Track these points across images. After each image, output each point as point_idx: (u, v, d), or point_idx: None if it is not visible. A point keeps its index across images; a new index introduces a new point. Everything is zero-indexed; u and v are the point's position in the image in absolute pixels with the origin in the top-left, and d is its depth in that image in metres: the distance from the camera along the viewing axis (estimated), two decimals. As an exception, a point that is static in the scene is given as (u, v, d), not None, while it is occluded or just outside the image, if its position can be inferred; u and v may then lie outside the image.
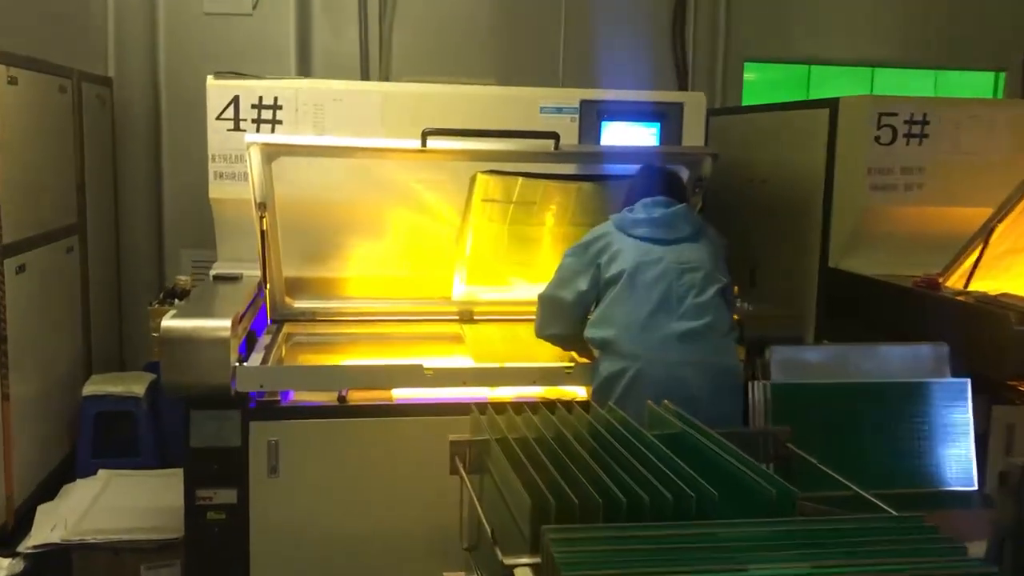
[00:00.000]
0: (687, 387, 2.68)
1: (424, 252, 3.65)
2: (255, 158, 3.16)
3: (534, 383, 3.09)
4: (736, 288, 3.15)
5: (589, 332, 2.90)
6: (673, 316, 2.80)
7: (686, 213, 2.96)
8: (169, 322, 2.86)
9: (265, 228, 3.33)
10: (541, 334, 3.08)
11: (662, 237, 2.89)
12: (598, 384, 2.85)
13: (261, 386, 2.92)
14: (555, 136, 3.21)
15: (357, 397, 3.10)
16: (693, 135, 3.91)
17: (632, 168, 3.32)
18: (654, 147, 3.60)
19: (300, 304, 3.73)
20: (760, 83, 5.94)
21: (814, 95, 5.85)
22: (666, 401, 2.06)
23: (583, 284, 2.91)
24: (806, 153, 4.27)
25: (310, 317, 3.75)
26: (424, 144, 3.13)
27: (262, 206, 3.29)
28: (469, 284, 3.69)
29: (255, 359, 3.10)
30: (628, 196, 3.06)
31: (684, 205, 2.98)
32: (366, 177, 3.45)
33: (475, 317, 3.84)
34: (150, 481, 3.89)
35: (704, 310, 2.82)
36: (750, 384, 2.58)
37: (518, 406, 2.06)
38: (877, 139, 3.94)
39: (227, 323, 2.89)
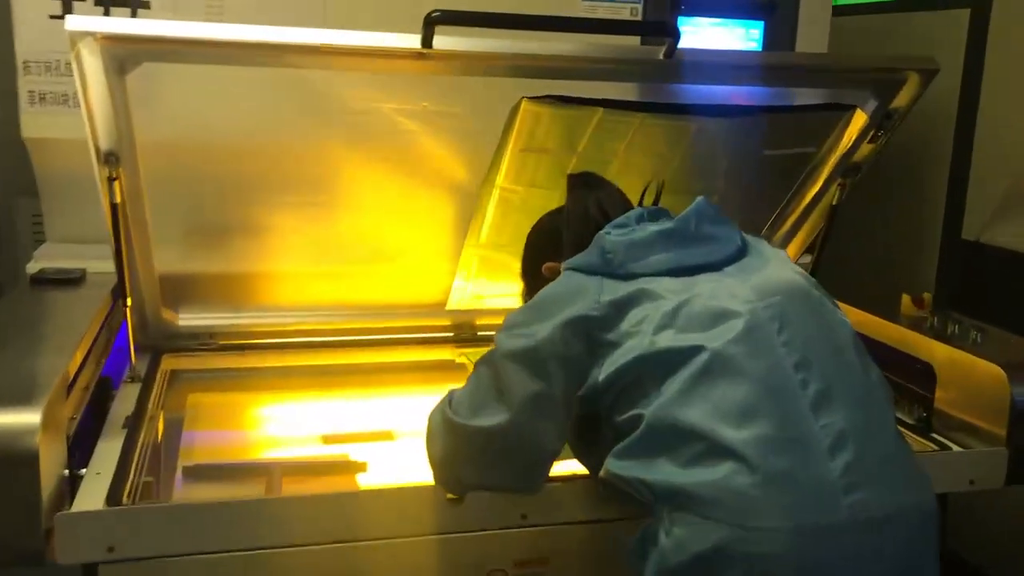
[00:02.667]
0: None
1: (404, 235, 2.13)
2: (91, 64, 1.59)
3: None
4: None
5: (629, 471, 1.31)
6: (810, 422, 1.27)
7: (711, 208, 1.47)
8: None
9: (119, 196, 1.77)
10: (454, 485, 1.51)
11: (701, 261, 1.41)
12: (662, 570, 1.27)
13: (109, 550, 1.39)
14: (670, 31, 1.71)
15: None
16: (811, 38, 2.48)
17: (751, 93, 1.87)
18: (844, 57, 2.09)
19: (189, 320, 2.18)
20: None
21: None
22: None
23: (555, 389, 1.38)
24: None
25: (207, 343, 2.20)
26: (428, 43, 1.61)
27: (111, 158, 1.73)
28: (477, 284, 2.21)
29: (100, 472, 1.56)
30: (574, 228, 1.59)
31: (701, 198, 1.48)
32: (305, 109, 1.88)
33: (478, 334, 2.36)
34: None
35: (871, 396, 1.35)
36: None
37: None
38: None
39: (35, 417, 1.36)
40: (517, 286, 2.24)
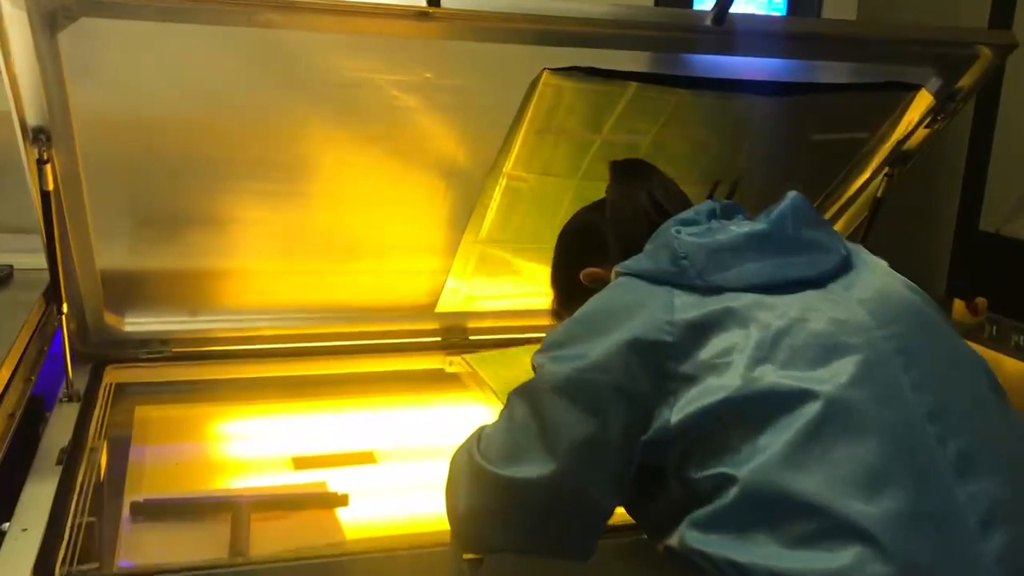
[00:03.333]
0: None
1: (390, 228, 1.83)
2: (14, 19, 1.28)
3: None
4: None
5: (716, 548, 1.00)
6: (952, 490, 0.98)
7: (808, 207, 1.17)
8: None
9: (51, 182, 1.46)
10: (478, 544, 1.23)
11: (801, 275, 1.11)
12: None
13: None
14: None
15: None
16: (839, 5, 2.24)
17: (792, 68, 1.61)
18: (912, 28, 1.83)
19: (137, 325, 1.87)
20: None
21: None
22: None
23: (612, 432, 1.08)
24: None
25: (159, 351, 1.89)
26: (435, 0, 1.31)
27: (41, 136, 1.41)
28: (472, 283, 1.92)
29: (27, 527, 1.25)
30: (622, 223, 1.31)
31: (796, 193, 1.17)
32: (280, 79, 1.55)
33: (469, 338, 2.08)
34: None
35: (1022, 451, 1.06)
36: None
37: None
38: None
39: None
40: (517, 286, 1.98)
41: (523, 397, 1.15)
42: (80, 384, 1.70)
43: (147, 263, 1.80)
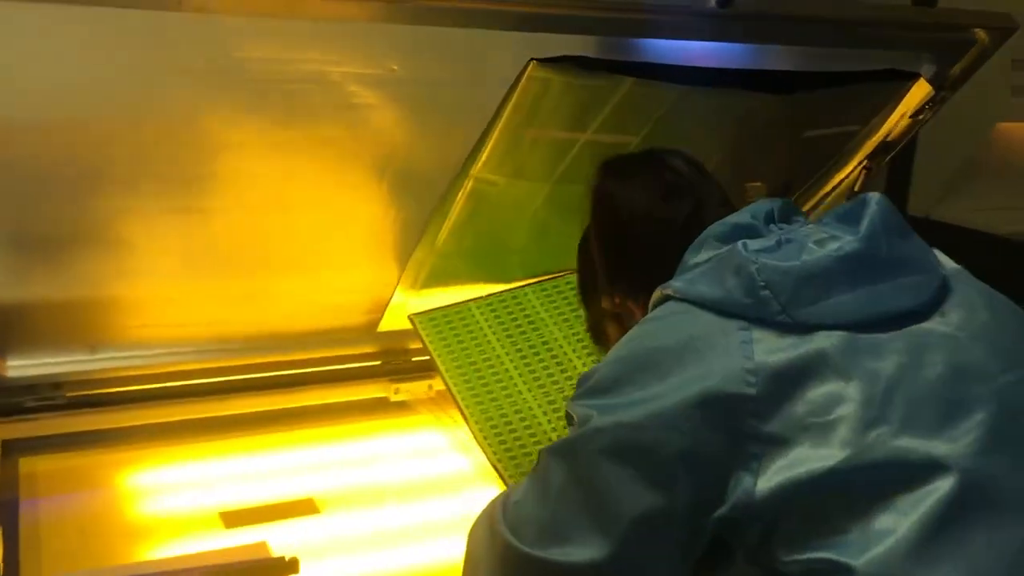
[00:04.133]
0: None
1: (314, 241, 1.57)
2: None
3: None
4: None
5: None
6: None
7: (896, 213, 0.98)
8: None
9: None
10: None
11: (904, 307, 0.91)
12: None
13: None
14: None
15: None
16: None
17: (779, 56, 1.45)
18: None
19: (22, 369, 1.56)
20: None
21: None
22: None
23: (680, 505, 0.88)
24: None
25: (51, 398, 1.59)
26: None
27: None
28: (420, 298, 1.69)
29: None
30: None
31: (880, 196, 0.98)
32: (194, 73, 1.24)
33: (412, 360, 1.85)
34: None
35: None
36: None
37: None
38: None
39: None
40: (470, 297, 1.76)
41: (562, 459, 0.94)
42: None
43: (30, 294, 1.49)
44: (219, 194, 1.43)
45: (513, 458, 1.45)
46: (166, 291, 1.56)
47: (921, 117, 1.63)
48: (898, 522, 0.80)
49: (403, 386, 1.79)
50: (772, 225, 0.99)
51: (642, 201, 1.11)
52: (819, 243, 0.93)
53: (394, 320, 1.71)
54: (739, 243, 0.93)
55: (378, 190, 1.43)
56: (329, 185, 1.41)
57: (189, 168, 1.37)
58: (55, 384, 1.59)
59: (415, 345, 1.82)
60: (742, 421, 0.86)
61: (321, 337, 1.72)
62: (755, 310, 0.89)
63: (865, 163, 1.73)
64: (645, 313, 1.02)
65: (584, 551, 0.89)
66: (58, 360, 1.58)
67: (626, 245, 1.12)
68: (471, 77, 1.27)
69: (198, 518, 1.51)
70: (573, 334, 1.57)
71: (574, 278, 1.32)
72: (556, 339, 1.56)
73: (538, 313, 1.60)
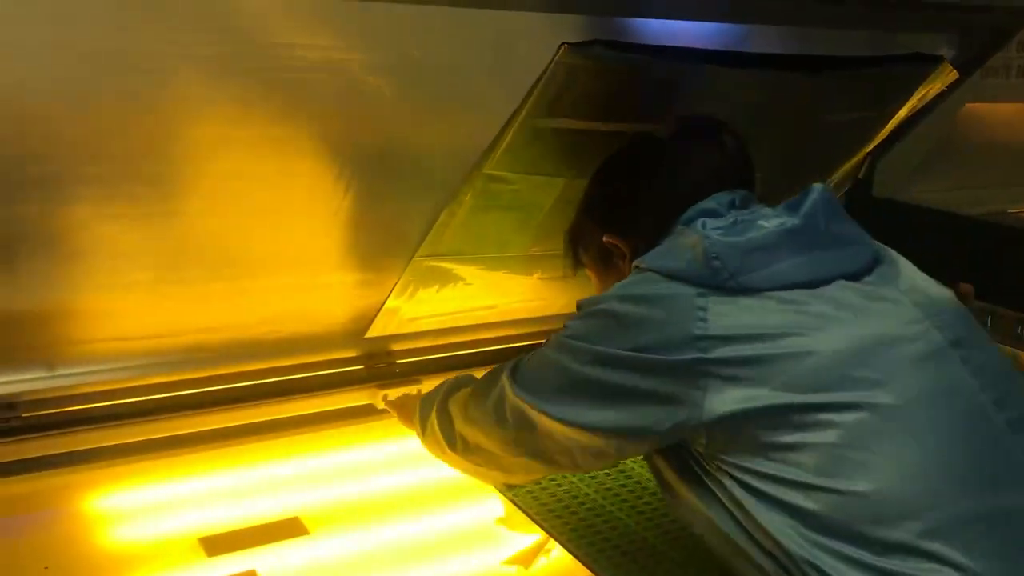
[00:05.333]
0: None
1: (293, 241, 1.42)
2: None
3: None
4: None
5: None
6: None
7: (834, 200, 1.15)
8: None
9: None
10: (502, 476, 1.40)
11: (837, 272, 1.09)
12: None
13: None
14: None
15: None
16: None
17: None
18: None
19: (-26, 389, 1.39)
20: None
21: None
22: None
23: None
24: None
25: (5, 419, 1.43)
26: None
27: None
28: (413, 302, 1.57)
29: None
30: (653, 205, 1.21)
31: (820, 186, 1.14)
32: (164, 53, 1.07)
33: (397, 363, 1.73)
34: None
35: None
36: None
37: None
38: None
39: None
40: (463, 301, 1.64)
41: (561, 352, 1.14)
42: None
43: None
44: (197, 195, 1.28)
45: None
46: (135, 301, 1.40)
47: (939, 102, 1.57)
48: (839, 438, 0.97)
49: (390, 392, 1.66)
50: (732, 211, 1.12)
51: (697, 166, 1.20)
52: (766, 221, 1.08)
53: (385, 325, 1.59)
54: (698, 222, 1.10)
55: (381, 188, 1.30)
56: (324, 184, 1.27)
57: (164, 167, 1.22)
58: (9, 404, 1.42)
59: (396, 347, 1.71)
60: (703, 372, 1.02)
61: (301, 344, 1.58)
62: (709, 278, 1.04)
63: (869, 149, 1.67)
64: (628, 263, 1.19)
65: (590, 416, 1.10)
66: (12, 379, 1.41)
67: (657, 192, 1.19)
68: (494, 64, 1.15)
69: (176, 545, 1.39)
70: None
71: None
72: None
73: None
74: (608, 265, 1.26)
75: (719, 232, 1.07)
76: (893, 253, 1.16)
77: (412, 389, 1.68)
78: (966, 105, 2.56)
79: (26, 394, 1.43)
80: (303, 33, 1.02)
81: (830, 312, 1.02)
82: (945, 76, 1.47)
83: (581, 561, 1.33)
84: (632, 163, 1.24)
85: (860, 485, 0.95)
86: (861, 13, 1.37)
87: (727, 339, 1.01)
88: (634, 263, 1.13)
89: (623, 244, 1.22)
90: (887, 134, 1.62)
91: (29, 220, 1.23)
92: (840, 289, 1.05)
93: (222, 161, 1.18)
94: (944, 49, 1.49)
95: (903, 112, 1.56)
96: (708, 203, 1.13)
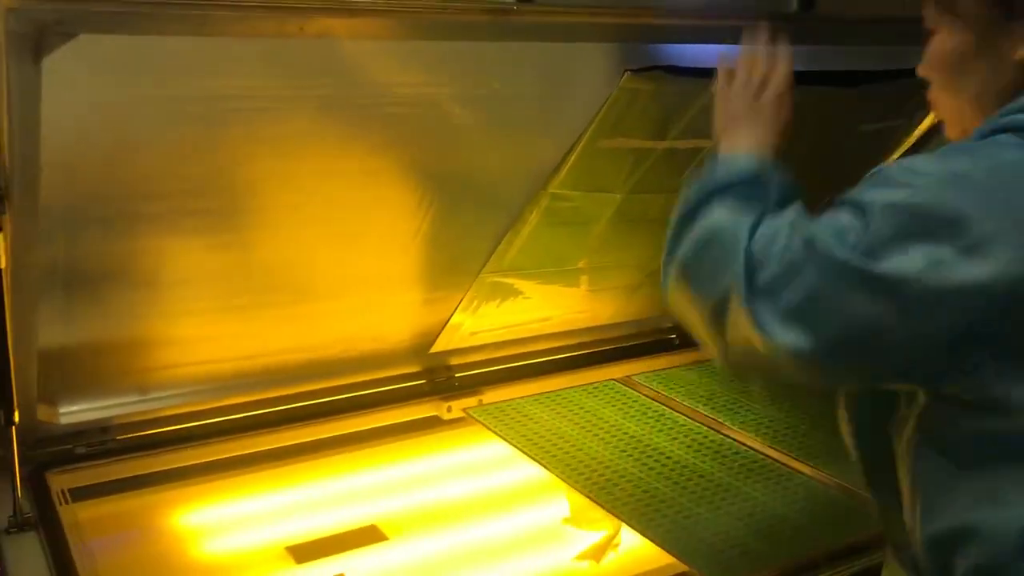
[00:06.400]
0: None
1: (361, 265, 1.51)
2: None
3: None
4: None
5: None
6: None
7: None
8: None
9: (3, 258, 1.06)
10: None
11: None
12: None
13: None
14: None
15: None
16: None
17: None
18: None
19: (73, 415, 1.47)
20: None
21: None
22: None
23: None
24: None
25: (100, 443, 1.51)
26: (532, -7, 1.04)
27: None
28: (478, 317, 1.66)
29: None
30: None
31: None
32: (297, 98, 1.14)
33: (457, 376, 1.81)
34: None
35: None
36: None
37: None
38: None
39: None
40: (521, 314, 1.73)
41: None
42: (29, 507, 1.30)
43: (78, 336, 1.40)
44: (287, 225, 1.36)
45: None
46: (222, 326, 1.49)
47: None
48: None
49: (455, 403, 1.74)
50: None
51: None
52: None
53: (448, 340, 1.67)
54: None
55: (456, 211, 1.39)
56: (408, 209, 1.36)
57: (262, 200, 1.30)
58: (103, 429, 1.51)
59: (455, 361, 1.79)
60: None
61: (370, 361, 1.67)
62: None
63: (897, 157, 1.76)
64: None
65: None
66: (105, 403, 1.50)
67: None
68: (564, 91, 1.24)
69: (265, 554, 1.46)
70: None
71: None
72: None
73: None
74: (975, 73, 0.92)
75: None
76: None
77: (474, 399, 1.77)
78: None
79: (118, 418, 1.51)
80: (400, 72, 1.12)
81: None
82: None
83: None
84: None
85: None
86: (912, 32, 1.45)
87: None
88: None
89: None
90: (913, 141, 1.71)
91: (122, 257, 1.31)
92: None
93: (320, 192, 1.26)
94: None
95: (929, 120, 1.65)
96: None
